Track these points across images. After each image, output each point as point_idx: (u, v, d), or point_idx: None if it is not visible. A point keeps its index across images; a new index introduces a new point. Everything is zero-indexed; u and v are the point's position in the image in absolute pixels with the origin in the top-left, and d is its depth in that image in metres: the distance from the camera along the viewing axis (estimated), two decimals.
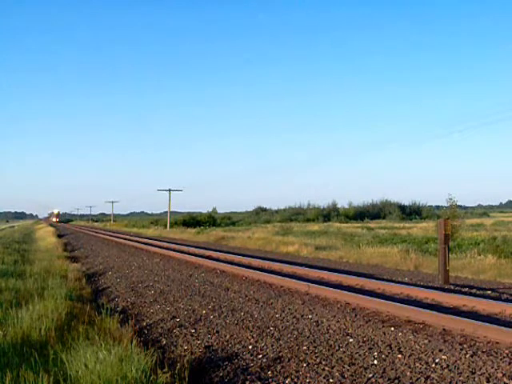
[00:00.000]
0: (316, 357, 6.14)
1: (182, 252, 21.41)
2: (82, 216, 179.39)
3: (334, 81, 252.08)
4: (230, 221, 76.07)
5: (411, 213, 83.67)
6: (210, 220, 68.01)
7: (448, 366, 5.52)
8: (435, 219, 40.41)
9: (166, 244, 28.38)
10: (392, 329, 7.07)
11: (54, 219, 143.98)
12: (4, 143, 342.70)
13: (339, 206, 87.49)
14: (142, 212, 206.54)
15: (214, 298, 10.23)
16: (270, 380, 5.58)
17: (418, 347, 6.18)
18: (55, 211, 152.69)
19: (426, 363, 5.64)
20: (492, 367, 5.38)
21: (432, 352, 5.95)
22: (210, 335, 7.49)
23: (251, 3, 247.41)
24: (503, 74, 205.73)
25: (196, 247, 25.41)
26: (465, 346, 6.13)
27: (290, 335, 7.14)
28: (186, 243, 30.55)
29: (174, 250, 22.65)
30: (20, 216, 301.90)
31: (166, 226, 62.67)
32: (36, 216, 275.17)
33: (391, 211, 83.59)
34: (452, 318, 7.21)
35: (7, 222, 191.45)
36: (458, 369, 5.40)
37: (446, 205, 27.94)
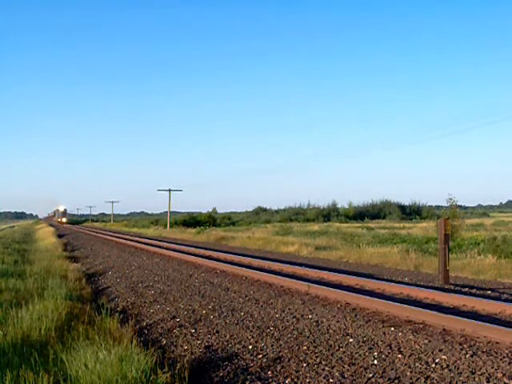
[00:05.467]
0: (316, 357, 6.14)
1: (182, 252, 21.41)
2: (81, 216, 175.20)
3: (333, 81, 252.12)
4: (229, 221, 75.99)
5: (411, 213, 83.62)
6: (210, 220, 68.00)
7: (448, 365, 5.52)
8: (435, 219, 40.36)
9: (166, 244, 28.38)
10: (392, 329, 7.07)
11: (60, 219, 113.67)
12: (4, 143, 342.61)
13: (339, 205, 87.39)
14: (142, 212, 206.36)
15: (214, 297, 10.23)
16: (270, 380, 5.59)
17: (418, 347, 6.18)
18: (61, 208, 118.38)
19: (426, 363, 5.65)
20: (492, 367, 5.38)
21: (432, 352, 5.96)
22: (209, 335, 7.49)
23: (250, 3, 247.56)
24: (503, 74, 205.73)
25: (196, 247, 25.41)
26: (465, 345, 6.13)
27: (290, 335, 7.14)
28: (186, 243, 30.56)
29: (173, 250, 22.65)
30: (20, 216, 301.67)
31: (166, 226, 62.69)
32: (36, 216, 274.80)
33: (391, 211, 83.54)
34: (452, 318, 7.22)
35: None
36: (458, 369, 5.41)
37: (446, 205, 27.96)
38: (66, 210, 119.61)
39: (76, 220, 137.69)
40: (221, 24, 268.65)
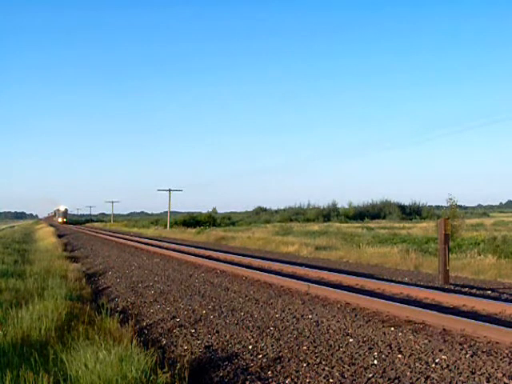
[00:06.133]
0: (316, 357, 6.14)
1: (182, 252, 21.42)
2: (81, 216, 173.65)
3: (333, 80, 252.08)
4: (229, 221, 75.97)
5: (411, 213, 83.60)
6: (210, 220, 67.94)
7: (448, 365, 5.52)
8: (435, 219, 40.40)
9: (166, 244, 28.39)
10: (392, 329, 7.07)
11: (61, 219, 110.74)
12: (4, 143, 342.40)
13: (339, 205, 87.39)
14: (142, 212, 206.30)
15: (214, 297, 10.23)
16: (270, 380, 5.58)
17: (418, 347, 6.18)
18: (61, 208, 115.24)
19: (426, 363, 5.65)
20: (492, 367, 5.38)
21: (432, 352, 5.96)
22: (209, 335, 7.49)
23: (250, 3, 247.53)
24: (503, 74, 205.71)
25: (196, 247, 25.41)
26: (465, 345, 6.13)
27: (290, 335, 7.14)
28: (186, 243, 30.56)
29: (173, 250, 22.66)
30: (20, 216, 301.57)
31: (166, 226, 62.68)
32: (36, 216, 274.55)
33: (391, 211, 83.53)
34: (452, 318, 7.22)
35: None
36: (458, 369, 5.41)
37: (446, 205, 27.97)
38: (66, 209, 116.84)
39: (76, 220, 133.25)
40: (222, 24, 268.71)
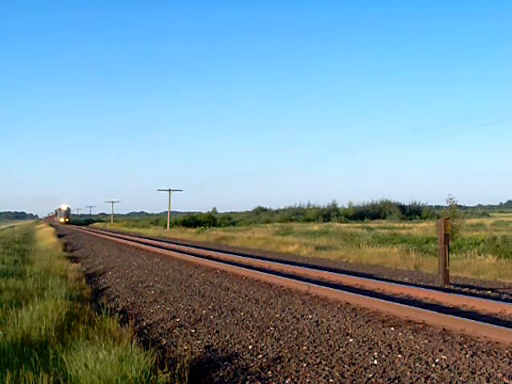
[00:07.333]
0: (316, 357, 6.14)
1: (182, 252, 21.42)
2: (81, 216, 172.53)
3: (333, 80, 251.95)
4: (229, 221, 75.94)
5: (411, 213, 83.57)
6: (210, 220, 67.95)
7: (448, 365, 5.52)
8: (435, 219, 40.41)
9: (166, 244, 28.38)
10: (392, 329, 7.07)
11: (63, 219, 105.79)
12: (4, 143, 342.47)
13: (339, 205, 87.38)
14: (142, 212, 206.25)
15: (214, 298, 10.23)
16: (270, 380, 5.58)
17: (418, 347, 6.18)
18: (63, 207, 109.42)
19: (426, 363, 5.65)
20: (492, 367, 5.38)
21: (432, 352, 5.96)
22: (209, 335, 7.49)
23: (249, 2, 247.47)
24: (504, 75, 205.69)
25: (196, 247, 25.42)
26: (465, 346, 6.13)
27: (290, 335, 7.14)
28: (185, 243, 30.56)
29: (173, 250, 22.65)
30: (20, 216, 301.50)
31: (166, 226, 62.67)
32: (36, 216, 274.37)
33: (391, 211, 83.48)
34: (452, 318, 7.22)
35: None
36: (458, 369, 5.41)
37: (446, 205, 27.97)
38: (69, 208, 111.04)
39: (76, 220, 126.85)
40: (227, 24, 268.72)
